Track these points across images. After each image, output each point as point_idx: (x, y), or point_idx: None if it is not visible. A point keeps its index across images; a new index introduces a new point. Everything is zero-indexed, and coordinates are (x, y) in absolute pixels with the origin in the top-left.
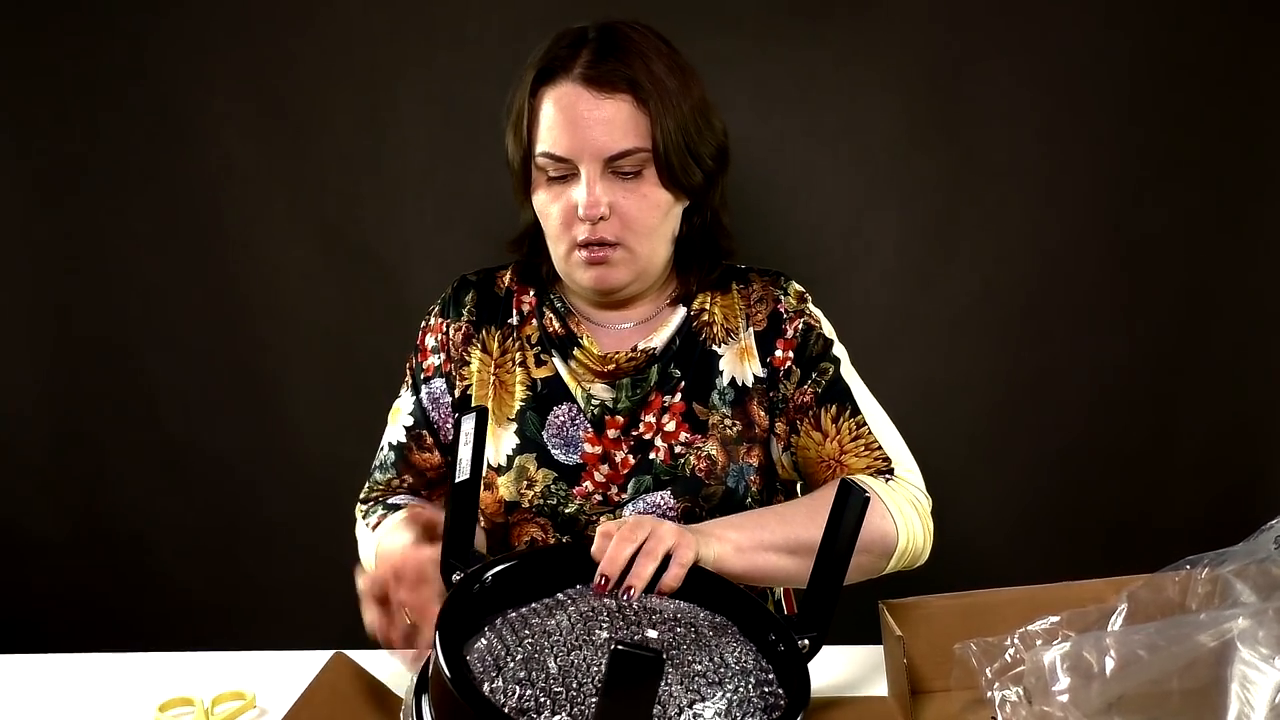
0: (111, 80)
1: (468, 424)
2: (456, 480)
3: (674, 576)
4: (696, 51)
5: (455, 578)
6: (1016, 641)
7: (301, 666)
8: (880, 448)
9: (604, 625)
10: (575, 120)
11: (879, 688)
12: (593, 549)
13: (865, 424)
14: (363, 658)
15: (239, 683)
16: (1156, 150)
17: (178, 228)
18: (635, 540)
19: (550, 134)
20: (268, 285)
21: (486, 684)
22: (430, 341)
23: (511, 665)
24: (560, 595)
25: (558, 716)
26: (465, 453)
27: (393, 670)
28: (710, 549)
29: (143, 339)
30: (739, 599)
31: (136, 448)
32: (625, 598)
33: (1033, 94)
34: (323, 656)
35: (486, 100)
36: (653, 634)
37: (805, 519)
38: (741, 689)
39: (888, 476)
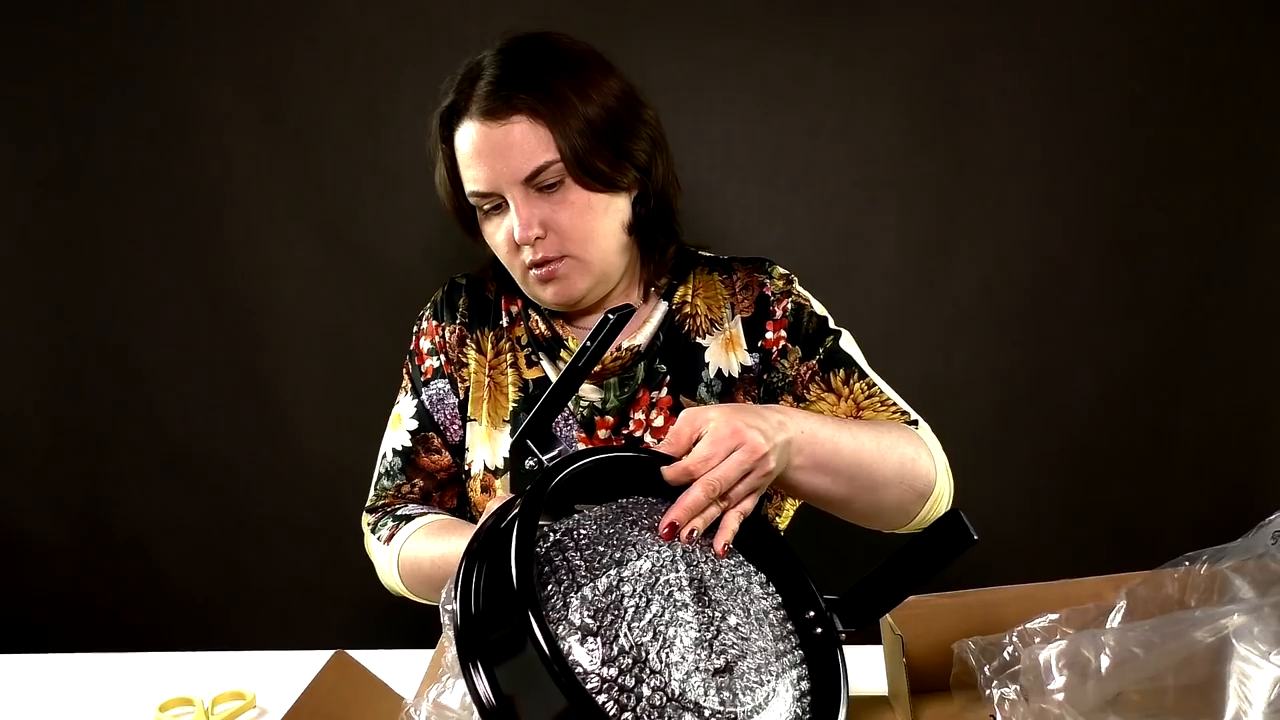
0: (112, 80)
1: (611, 317)
2: (579, 364)
3: (730, 531)
4: (697, 52)
5: (530, 464)
6: (1015, 639)
7: (301, 666)
8: (896, 404)
9: (674, 583)
10: (482, 154)
11: (879, 687)
12: (670, 475)
13: (876, 385)
14: (364, 657)
15: (239, 683)
16: (1156, 150)
17: (178, 228)
18: (716, 491)
19: (469, 173)
20: (268, 285)
21: (553, 622)
22: (425, 344)
23: (584, 614)
24: (632, 518)
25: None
26: (590, 344)
27: (394, 670)
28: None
29: (143, 339)
30: (788, 563)
31: (136, 448)
32: (688, 535)
33: (1033, 94)
34: (323, 656)
35: None
36: (733, 620)
37: (875, 450)
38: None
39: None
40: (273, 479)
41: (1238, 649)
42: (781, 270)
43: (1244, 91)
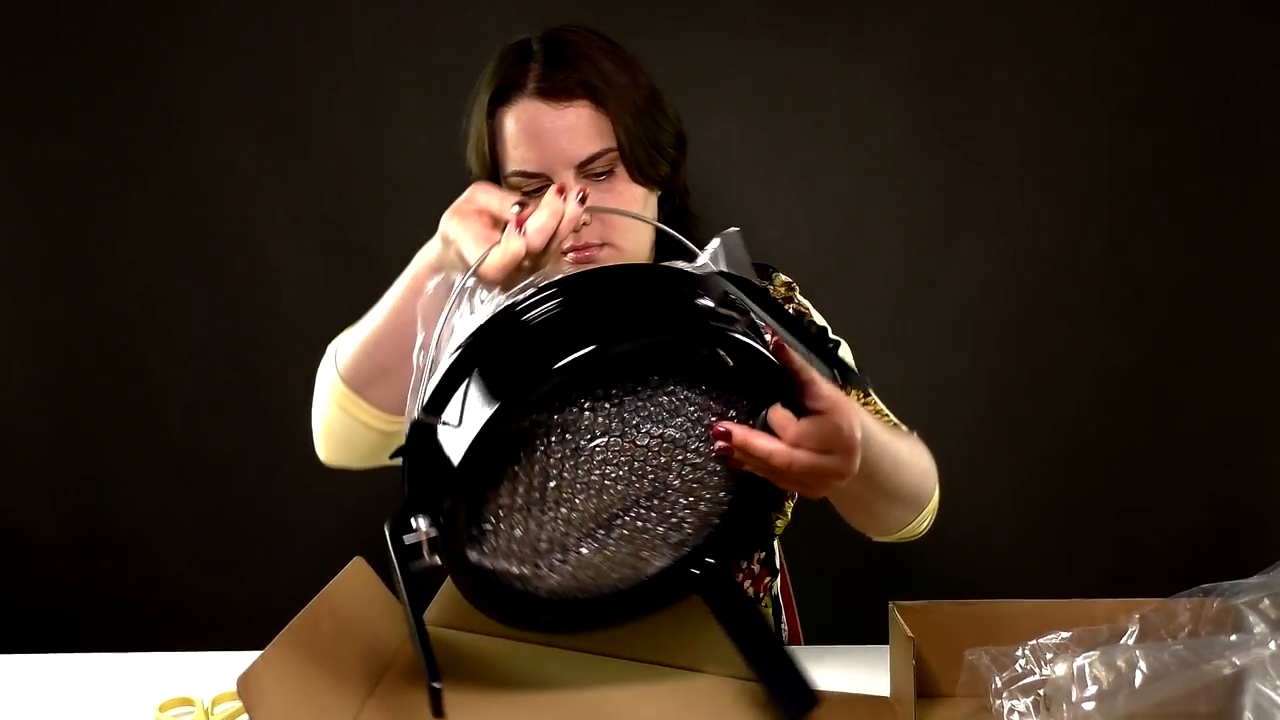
0: (112, 80)
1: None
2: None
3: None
4: (696, 51)
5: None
6: (1028, 653)
7: None
8: (889, 415)
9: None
10: (539, 134)
11: (881, 688)
12: (775, 418)
13: (871, 395)
14: None
15: None
16: (1156, 150)
17: (178, 228)
18: (787, 470)
19: (518, 153)
20: (268, 285)
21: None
22: None
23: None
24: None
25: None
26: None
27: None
28: None
29: (143, 338)
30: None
31: (136, 447)
32: (722, 450)
33: (1032, 94)
34: None
35: None
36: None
37: (908, 458)
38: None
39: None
40: (273, 479)
41: (1254, 683)
42: (784, 278)
43: (1244, 91)
